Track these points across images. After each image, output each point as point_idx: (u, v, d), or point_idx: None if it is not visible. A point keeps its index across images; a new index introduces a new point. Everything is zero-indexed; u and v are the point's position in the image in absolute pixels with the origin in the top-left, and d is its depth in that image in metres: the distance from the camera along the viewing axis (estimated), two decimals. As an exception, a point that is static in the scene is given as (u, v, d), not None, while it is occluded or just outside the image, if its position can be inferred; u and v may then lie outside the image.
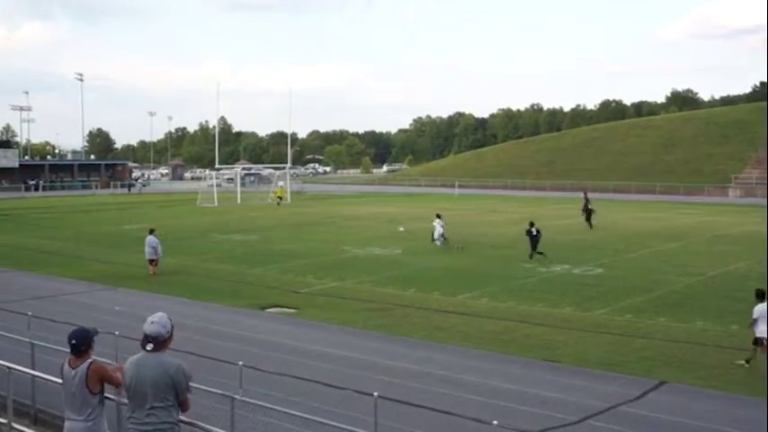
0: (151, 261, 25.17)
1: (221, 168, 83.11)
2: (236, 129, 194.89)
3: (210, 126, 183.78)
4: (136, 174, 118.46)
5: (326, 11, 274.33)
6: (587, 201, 41.99)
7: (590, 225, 40.39)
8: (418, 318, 18.67)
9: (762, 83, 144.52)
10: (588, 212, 41.03)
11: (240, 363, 10.72)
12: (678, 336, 16.54)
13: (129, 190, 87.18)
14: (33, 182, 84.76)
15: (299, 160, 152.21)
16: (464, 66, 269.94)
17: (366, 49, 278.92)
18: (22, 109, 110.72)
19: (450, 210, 53.51)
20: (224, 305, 20.14)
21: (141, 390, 6.13)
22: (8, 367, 9.23)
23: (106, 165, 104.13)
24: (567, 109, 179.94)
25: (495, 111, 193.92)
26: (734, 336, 16.40)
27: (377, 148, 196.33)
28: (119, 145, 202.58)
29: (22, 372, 9.66)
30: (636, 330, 17.15)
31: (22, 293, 21.36)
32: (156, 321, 6.22)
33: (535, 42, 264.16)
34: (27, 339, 11.63)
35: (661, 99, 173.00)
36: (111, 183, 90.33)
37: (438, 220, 33.17)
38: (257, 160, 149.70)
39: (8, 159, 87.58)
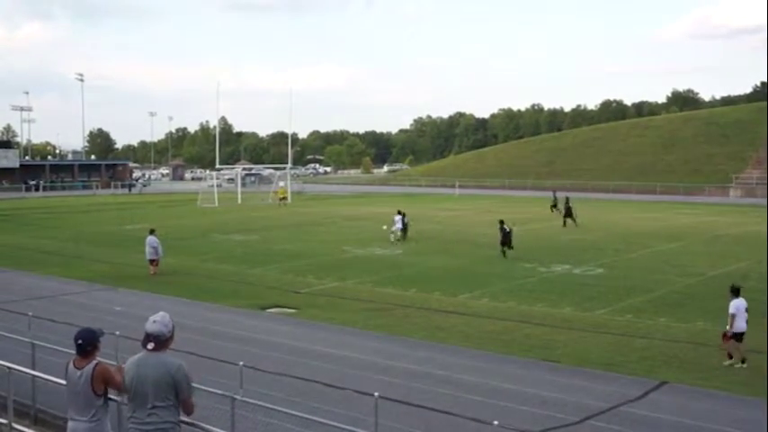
0: (152, 261, 25.17)
1: (222, 168, 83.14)
2: (236, 129, 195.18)
3: (211, 126, 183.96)
4: (136, 174, 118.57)
5: (326, 11, 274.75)
6: (566, 201, 42.87)
7: (570, 222, 41.18)
8: (419, 318, 18.67)
9: (762, 83, 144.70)
10: (568, 210, 41.81)
11: (240, 363, 10.72)
12: (679, 336, 16.55)
13: (130, 190, 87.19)
14: (34, 182, 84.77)
15: (299, 160, 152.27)
16: (464, 66, 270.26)
17: (366, 49, 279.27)
18: (22, 109, 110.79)
19: (449, 210, 53.60)
20: (224, 305, 20.14)
21: (142, 389, 6.12)
22: (9, 367, 9.23)
23: (107, 165, 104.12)
24: (567, 109, 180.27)
25: (495, 111, 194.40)
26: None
27: (377, 148, 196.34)
28: (119, 145, 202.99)
29: (22, 372, 9.66)
30: (636, 330, 17.16)
31: (22, 293, 21.37)
32: (158, 320, 6.22)
33: (535, 42, 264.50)
34: (27, 339, 11.62)
35: (662, 99, 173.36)
36: (112, 183, 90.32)
37: (398, 216, 34.71)
38: (258, 160, 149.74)
39: (9, 160, 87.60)
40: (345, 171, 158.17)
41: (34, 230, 41.21)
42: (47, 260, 29.23)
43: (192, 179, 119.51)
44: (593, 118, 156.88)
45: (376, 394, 8.77)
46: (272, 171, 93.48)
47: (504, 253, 29.03)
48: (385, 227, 35.49)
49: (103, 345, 6.92)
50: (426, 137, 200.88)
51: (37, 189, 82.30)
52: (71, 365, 6.73)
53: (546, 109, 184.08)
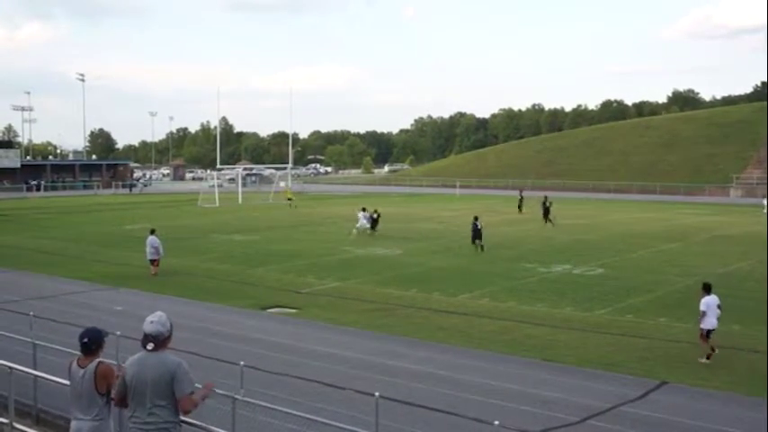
0: (152, 261, 25.18)
1: (223, 168, 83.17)
2: (237, 129, 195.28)
3: (212, 126, 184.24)
4: (137, 174, 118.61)
5: (326, 11, 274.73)
6: (545, 200, 43.52)
7: (547, 221, 41.83)
8: (419, 318, 18.68)
9: (762, 83, 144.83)
10: (546, 210, 42.41)
11: (241, 363, 10.72)
12: (679, 336, 16.54)
13: (131, 190, 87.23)
14: (35, 182, 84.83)
15: (300, 160, 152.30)
16: (465, 66, 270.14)
17: (366, 49, 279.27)
18: (23, 109, 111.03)
19: (450, 210, 53.55)
20: (225, 305, 20.15)
21: (142, 389, 6.13)
22: (10, 367, 9.24)
23: (107, 165, 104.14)
24: (568, 109, 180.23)
25: (496, 111, 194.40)
26: (734, 336, 16.41)
27: (378, 148, 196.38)
28: (120, 145, 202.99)
29: (23, 372, 9.67)
30: (637, 330, 17.15)
31: (23, 293, 21.38)
32: (155, 321, 6.23)
33: (536, 42, 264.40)
34: (29, 339, 11.63)
35: (662, 99, 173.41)
36: (113, 183, 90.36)
37: (362, 213, 37.57)
38: (258, 160, 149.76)
39: (10, 160, 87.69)
40: (346, 171, 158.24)
41: (35, 230, 41.22)
42: (48, 260, 29.24)
43: (193, 179, 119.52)
44: (594, 118, 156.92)
45: (377, 394, 8.78)
46: (272, 171, 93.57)
47: (481, 248, 30.61)
48: (354, 231, 36.31)
49: (105, 345, 6.94)
50: (427, 137, 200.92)
51: (38, 189, 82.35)
52: (74, 364, 6.76)
53: (546, 109, 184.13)
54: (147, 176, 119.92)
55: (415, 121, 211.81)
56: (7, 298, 20.34)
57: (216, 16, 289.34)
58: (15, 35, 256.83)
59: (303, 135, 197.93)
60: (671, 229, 40.07)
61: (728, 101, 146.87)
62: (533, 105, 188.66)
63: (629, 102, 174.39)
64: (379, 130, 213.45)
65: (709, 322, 14.49)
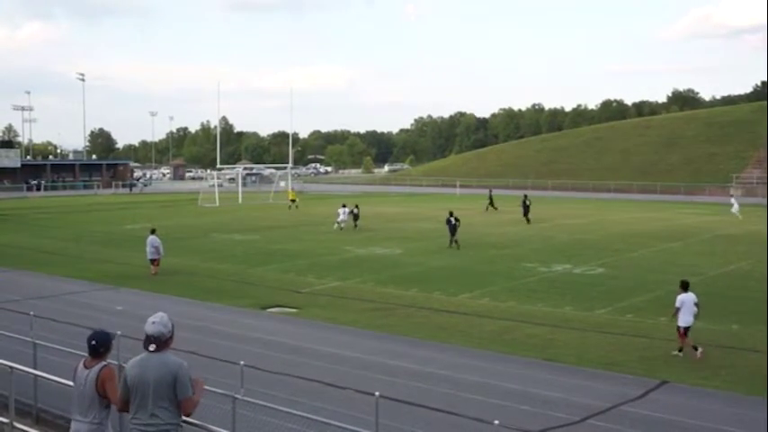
0: (153, 261, 25.18)
1: (223, 168, 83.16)
2: (237, 129, 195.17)
3: (212, 126, 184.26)
4: (137, 174, 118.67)
5: (327, 11, 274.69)
6: (524, 198, 44.39)
7: (527, 220, 42.78)
8: (420, 317, 18.68)
9: (762, 83, 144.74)
10: (526, 208, 43.42)
11: (241, 362, 10.72)
12: (679, 335, 16.51)
13: (131, 190, 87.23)
14: (35, 182, 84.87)
15: (300, 160, 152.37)
16: (465, 66, 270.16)
17: (366, 49, 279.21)
18: (23, 109, 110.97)
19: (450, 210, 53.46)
20: (225, 305, 20.16)
21: (144, 390, 6.10)
22: (10, 367, 9.24)
23: (108, 165, 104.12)
24: (568, 109, 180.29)
25: (496, 111, 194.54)
26: (734, 335, 16.43)
27: (378, 147, 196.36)
28: (120, 145, 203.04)
29: (24, 371, 9.67)
30: (637, 330, 17.16)
31: (23, 293, 21.38)
32: (157, 321, 6.21)
33: (536, 42, 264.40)
34: (29, 339, 11.62)
35: (662, 99, 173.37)
36: (113, 183, 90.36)
37: (343, 209, 39.71)
38: (258, 160, 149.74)
39: (10, 159, 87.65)
40: (346, 171, 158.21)
41: (35, 230, 41.24)
42: (48, 260, 29.24)
43: (193, 179, 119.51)
44: (594, 118, 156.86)
45: (377, 394, 8.78)
46: (272, 171, 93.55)
47: (455, 243, 31.06)
48: (335, 226, 37.65)
49: (112, 347, 6.96)
50: (427, 136, 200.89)
51: (38, 189, 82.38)
52: (81, 366, 6.75)
53: (546, 109, 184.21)
54: (148, 176, 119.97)
55: (415, 120, 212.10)
56: (7, 297, 20.35)
57: (216, 16, 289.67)
58: (15, 35, 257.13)
59: (303, 135, 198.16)
60: (671, 229, 40.07)
61: (728, 101, 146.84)
62: (533, 105, 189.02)
63: (629, 102, 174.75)
64: (379, 130, 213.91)
65: (684, 319, 14.75)
